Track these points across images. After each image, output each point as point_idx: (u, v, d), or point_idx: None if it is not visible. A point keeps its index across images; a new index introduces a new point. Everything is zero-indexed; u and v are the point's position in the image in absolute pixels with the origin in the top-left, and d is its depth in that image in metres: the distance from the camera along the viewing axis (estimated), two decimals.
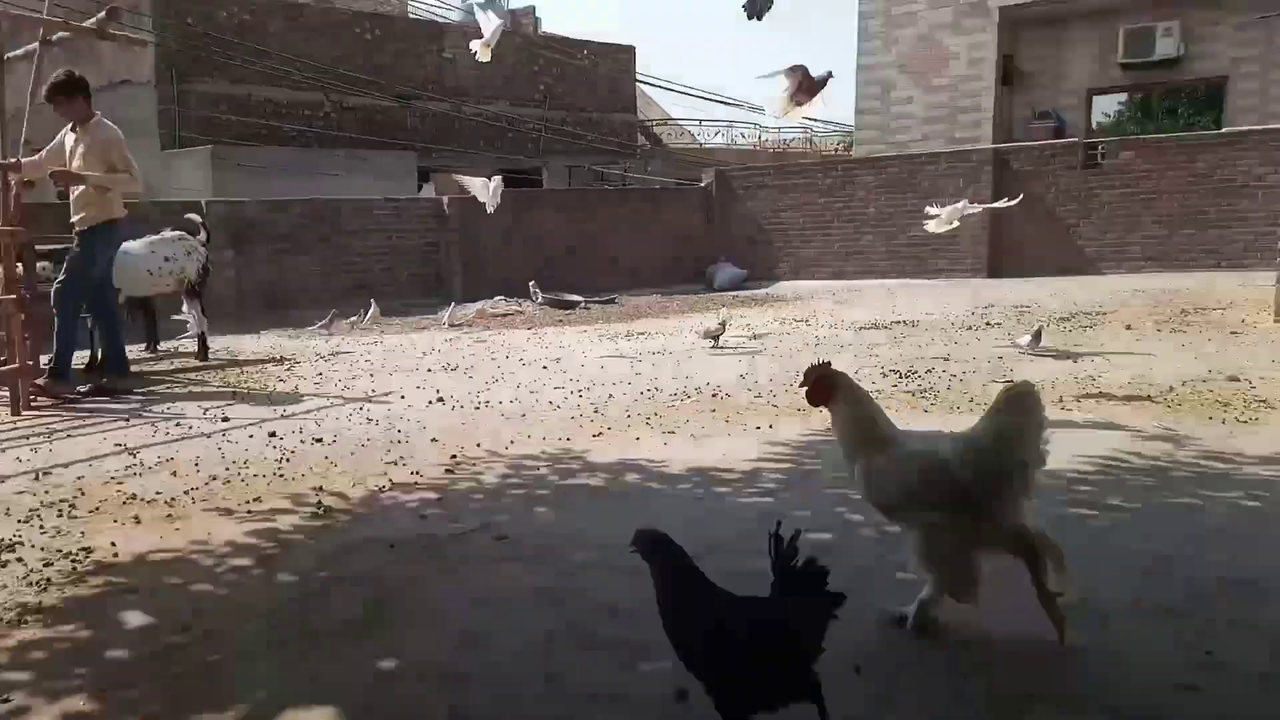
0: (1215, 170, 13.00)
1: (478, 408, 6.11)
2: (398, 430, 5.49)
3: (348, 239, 13.65)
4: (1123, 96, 20.24)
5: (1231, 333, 7.92)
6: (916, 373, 6.72)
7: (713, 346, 8.55)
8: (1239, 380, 5.88)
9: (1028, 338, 7.21)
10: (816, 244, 16.26)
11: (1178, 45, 16.34)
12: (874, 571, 3.05)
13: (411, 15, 24.88)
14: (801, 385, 2.75)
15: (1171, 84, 17.97)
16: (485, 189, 9.61)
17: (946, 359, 7.28)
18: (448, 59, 21.54)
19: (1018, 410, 2.49)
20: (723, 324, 8.72)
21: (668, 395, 6.28)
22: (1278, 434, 4.58)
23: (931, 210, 9.16)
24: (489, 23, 7.35)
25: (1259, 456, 4.19)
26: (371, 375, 7.69)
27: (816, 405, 2.72)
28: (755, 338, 9.13)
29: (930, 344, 8.16)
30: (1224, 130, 14.16)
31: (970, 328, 9.14)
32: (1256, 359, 6.60)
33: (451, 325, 11.36)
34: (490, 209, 9.71)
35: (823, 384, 2.68)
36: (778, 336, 9.22)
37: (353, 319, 11.43)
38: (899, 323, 9.83)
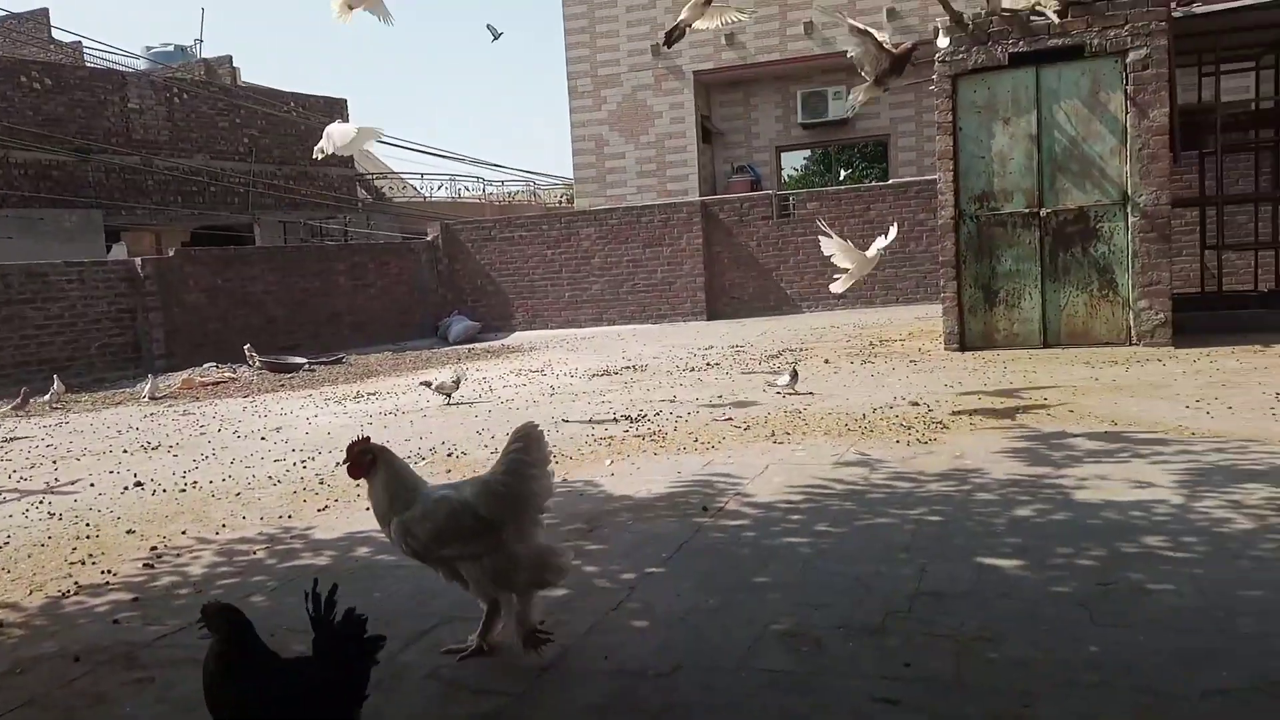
0: (886, 217, 14.70)
1: (183, 490, 5.56)
2: (86, 524, 4.87)
3: (20, 308, 12.03)
4: (806, 152, 22.54)
5: (911, 361, 8.94)
6: (646, 416, 6.97)
7: (446, 403, 8.38)
8: (919, 404, 6.63)
9: (785, 378, 7.47)
10: (548, 294, 16.55)
11: (846, 107, 18.47)
12: (610, 623, 3.09)
13: (89, 64, 22.63)
14: (344, 462, 2.88)
15: (845, 141, 20.28)
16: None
17: (673, 400, 7.63)
18: (134, 109, 19.79)
19: (523, 449, 2.83)
20: (456, 380, 8.59)
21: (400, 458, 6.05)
22: (952, 451, 5.20)
23: (839, 261, 7.70)
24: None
25: (937, 473, 4.74)
26: (54, 462, 6.78)
27: (358, 478, 2.88)
28: (492, 389, 9.08)
29: (658, 387, 8.52)
30: (891, 182, 16.13)
31: (693, 369, 9.65)
32: (931, 384, 7.49)
33: (153, 399, 10.31)
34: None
35: (363, 458, 2.84)
36: (515, 388, 9.22)
37: (46, 397, 10.13)
38: (629, 368, 10.18)
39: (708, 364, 9.99)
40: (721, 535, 3.97)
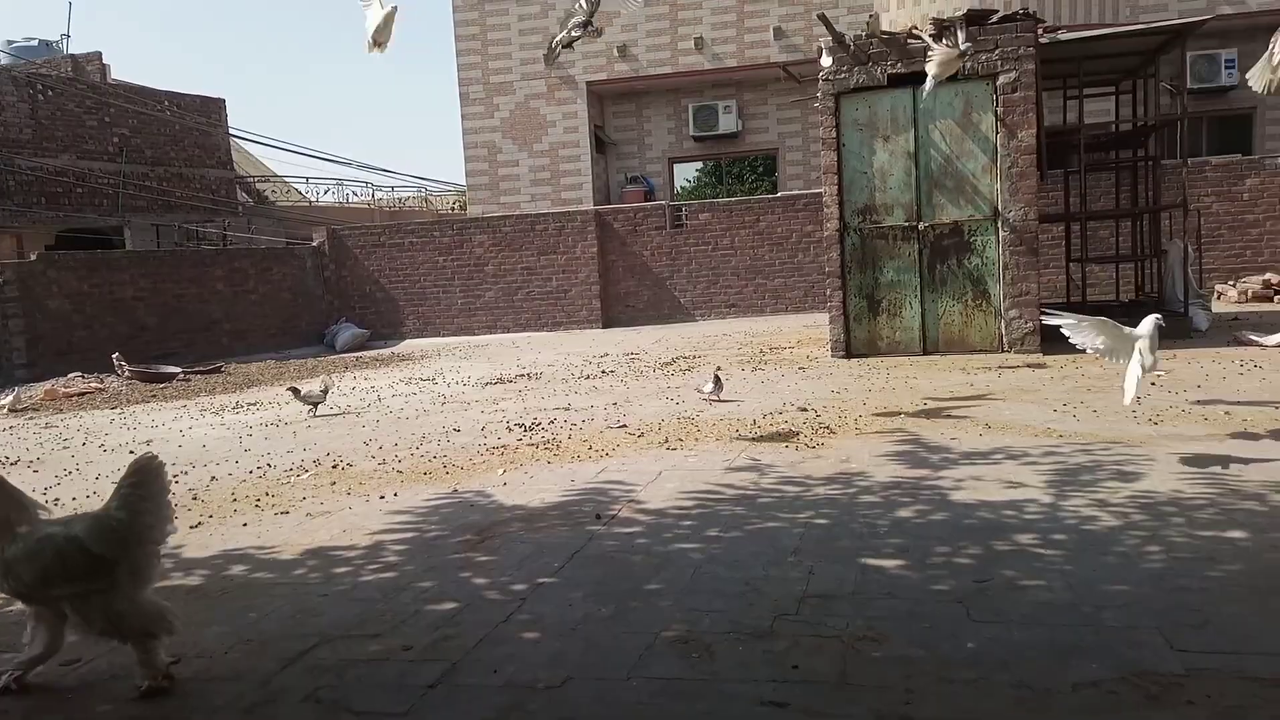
0: (775, 228, 15.10)
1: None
2: None
3: None
4: (699, 164, 22.89)
5: (800, 368, 9.15)
6: (540, 424, 6.90)
7: (313, 413, 8.01)
8: (807, 410, 6.78)
9: (710, 385, 7.43)
10: (440, 301, 16.27)
11: (737, 121, 18.87)
12: (499, 636, 3.03)
13: None
14: None
15: (736, 154, 20.65)
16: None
17: (568, 409, 7.58)
18: None
19: (138, 481, 2.77)
20: (325, 389, 8.25)
21: (282, 471, 5.83)
22: (838, 455, 5.32)
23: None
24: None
25: (824, 477, 4.84)
26: None
27: None
28: (380, 398, 8.82)
29: (552, 395, 8.45)
30: (780, 194, 16.51)
31: (588, 377, 9.63)
32: (819, 390, 7.67)
33: (13, 411, 9.63)
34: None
35: None
36: (404, 397, 9.00)
37: None
38: (523, 376, 10.08)
39: (603, 371, 9.98)
40: (614, 543, 3.95)
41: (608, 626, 3.06)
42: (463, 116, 19.52)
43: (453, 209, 29.58)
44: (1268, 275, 12.93)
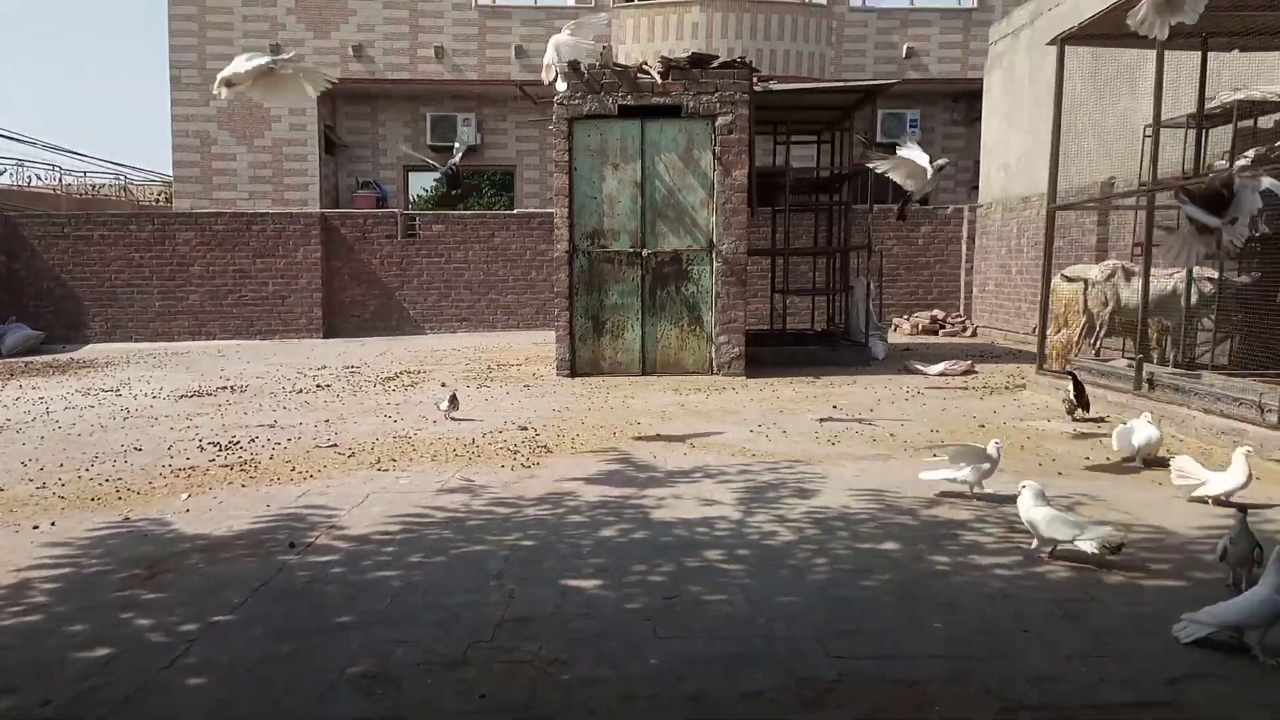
0: (510, 245, 15.14)
1: None
2: None
3: None
4: (436, 174, 22.49)
5: (525, 386, 9.19)
6: (239, 443, 6.41)
7: None
8: (527, 428, 6.82)
9: (447, 403, 7.31)
10: (134, 303, 14.70)
11: (476, 134, 18.75)
12: (158, 684, 2.75)
13: None
14: None
15: (474, 168, 20.51)
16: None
17: (273, 426, 7.11)
18: None
19: None
20: None
21: None
22: (552, 475, 5.39)
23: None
24: None
25: (536, 497, 4.88)
26: None
27: None
28: (49, 410, 7.77)
29: (258, 411, 7.89)
30: (516, 211, 16.57)
31: (300, 391, 9.09)
32: (541, 409, 7.75)
33: None
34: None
35: None
36: (79, 410, 8.01)
37: None
38: (226, 388, 9.33)
39: (318, 385, 9.46)
40: (306, 574, 3.73)
41: (287, 666, 2.88)
42: (173, 102, 17.91)
43: (157, 201, 26.93)
44: (935, 311, 14.79)
